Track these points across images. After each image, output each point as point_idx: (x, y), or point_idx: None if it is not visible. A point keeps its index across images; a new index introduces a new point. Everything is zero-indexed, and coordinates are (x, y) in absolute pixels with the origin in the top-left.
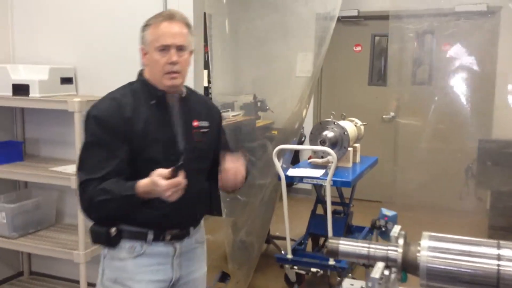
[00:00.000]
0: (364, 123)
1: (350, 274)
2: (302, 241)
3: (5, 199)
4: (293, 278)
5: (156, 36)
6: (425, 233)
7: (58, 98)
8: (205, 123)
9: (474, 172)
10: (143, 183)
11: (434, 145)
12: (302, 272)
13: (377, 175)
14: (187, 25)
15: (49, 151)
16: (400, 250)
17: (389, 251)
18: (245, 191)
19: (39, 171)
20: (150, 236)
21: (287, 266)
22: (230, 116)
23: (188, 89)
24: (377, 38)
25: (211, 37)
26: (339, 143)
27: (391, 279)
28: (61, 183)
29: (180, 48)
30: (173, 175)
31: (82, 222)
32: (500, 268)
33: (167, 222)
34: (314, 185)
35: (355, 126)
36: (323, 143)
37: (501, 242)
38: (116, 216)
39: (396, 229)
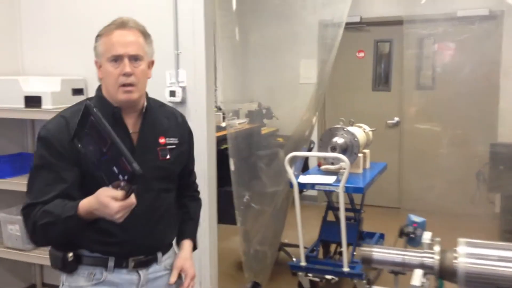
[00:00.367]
0: (372, 129)
1: (364, 281)
2: (314, 248)
3: (18, 211)
4: (307, 286)
5: (107, 46)
6: (461, 239)
7: None
8: (173, 140)
9: (486, 176)
10: (86, 202)
11: (442, 150)
12: (316, 279)
13: (382, 180)
14: (143, 33)
15: None
16: (437, 256)
17: (424, 258)
18: (258, 199)
19: None
20: (111, 262)
21: (300, 273)
22: (236, 124)
23: (153, 102)
24: (379, 43)
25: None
26: (349, 149)
27: (428, 286)
28: None
29: (134, 58)
30: (126, 197)
31: None
32: None
33: (129, 248)
34: (325, 192)
35: (364, 132)
36: (333, 149)
37: None
38: (64, 241)
39: (427, 236)
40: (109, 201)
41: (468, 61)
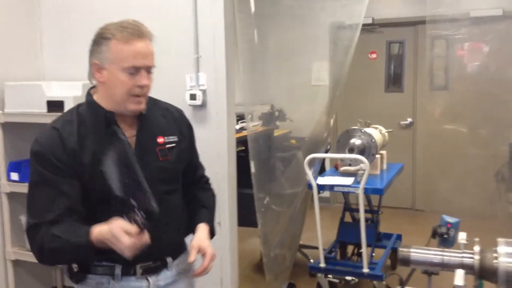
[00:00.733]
0: (389, 130)
1: (384, 282)
2: (333, 249)
3: None
4: (326, 287)
5: (124, 54)
6: (501, 239)
7: None
8: (172, 138)
9: (505, 176)
10: (98, 231)
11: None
12: (336, 280)
13: (396, 181)
14: (152, 40)
15: None
16: (477, 256)
17: (464, 258)
18: (278, 201)
19: None
20: (118, 270)
21: (320, 275)
22: (250, 126)
23: (149, 101)
24: (392, 44)
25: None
26: (367, 150)
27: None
28: None
29: (149, 69)
30: (139, 232)
31: None
32: None
33: (135, 255)
34: (343, 193)
35: (380, 133)
36: (351, 151)
37: None
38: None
39: (462, 236)
40: (122, 235)
41: (482, 61)
